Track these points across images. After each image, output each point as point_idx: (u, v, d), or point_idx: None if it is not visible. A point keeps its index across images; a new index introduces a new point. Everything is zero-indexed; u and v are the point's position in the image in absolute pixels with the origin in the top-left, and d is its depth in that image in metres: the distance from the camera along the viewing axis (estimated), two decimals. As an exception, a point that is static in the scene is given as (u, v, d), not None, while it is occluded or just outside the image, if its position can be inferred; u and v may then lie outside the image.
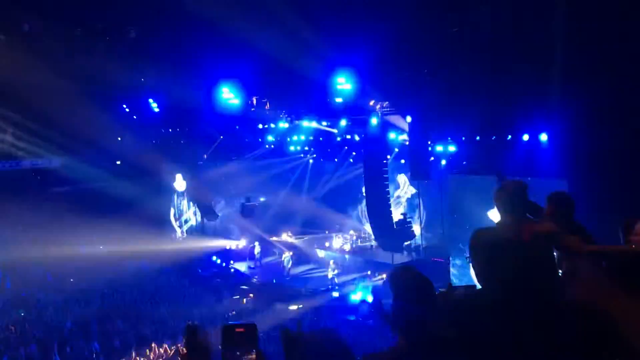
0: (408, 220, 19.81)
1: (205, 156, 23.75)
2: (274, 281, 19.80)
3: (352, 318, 16.11)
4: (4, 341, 13.82)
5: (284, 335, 2.15)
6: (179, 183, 25.20)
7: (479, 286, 2.92)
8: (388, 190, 18.72)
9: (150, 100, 22.24)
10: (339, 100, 17.24)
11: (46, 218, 22.73)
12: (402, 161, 21.09)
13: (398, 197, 22.13)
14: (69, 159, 24.27)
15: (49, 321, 15.56)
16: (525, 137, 14.83)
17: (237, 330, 2.12)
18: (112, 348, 13.15)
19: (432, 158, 18.18)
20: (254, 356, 2.07)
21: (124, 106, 23.57)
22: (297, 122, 20.21)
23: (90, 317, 15.74)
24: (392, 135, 19.02)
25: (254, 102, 19.87)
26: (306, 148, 23.13)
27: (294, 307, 17.10)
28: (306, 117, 19.94)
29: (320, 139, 21.52)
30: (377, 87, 16.86)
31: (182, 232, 25.37)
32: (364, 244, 22.05)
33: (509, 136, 15.26)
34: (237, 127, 21.43)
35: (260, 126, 21.25)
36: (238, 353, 2.07)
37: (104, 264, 21.22)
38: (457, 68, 14.63)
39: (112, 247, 22.75)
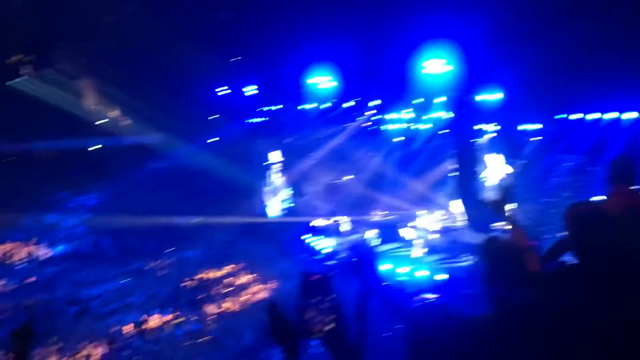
0: (499, 200, 19.26)
1: (295, 137, 24.22)
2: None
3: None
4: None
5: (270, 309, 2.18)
6: (273, 160, 25.79)
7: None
8: (478, 170, 18.30)
9: (247, 87, 22.95)
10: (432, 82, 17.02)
11: (145, 191, 24.24)
12: (493, 136, 20.47)
13: (488, 177, 21.51)
14: (168, 135, 25.60)
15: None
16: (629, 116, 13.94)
17: (313, 279, 2.19)
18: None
19: (524, 137, 17.57)
20: (329, 305, 2.13)
21: (224, 87, 24.44)
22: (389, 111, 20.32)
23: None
24: (482, 114, 18.50)
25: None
26: (398, 126, 22.91)
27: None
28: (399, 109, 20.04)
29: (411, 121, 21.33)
30: (472, 66, 16.42)
31: (273, 208, 26.03)
32: (452, 224, 21.65)
33: (607, 115, 14.40)
34: (330, 104, 21.62)
35: (353, 103, 21.38)
36: (314, 301, 2.14)
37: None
38: (554, 41, 13.96)
39: (207, 221, 23.90)
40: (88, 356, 13.37)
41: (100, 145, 25.83)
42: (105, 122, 25.99)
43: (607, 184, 3.54)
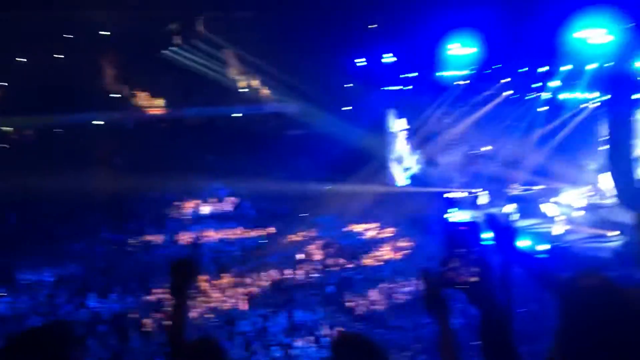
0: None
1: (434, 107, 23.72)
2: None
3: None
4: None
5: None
6: (405, 129, 25.54)
7: None
8: (634, 142, 16.79)
9: (385, 56, 22.75)
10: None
11: (283, 158, 25.20)
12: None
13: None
14: (305, 104, 26.25)
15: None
16: None
17: (461, 228, 2.11)
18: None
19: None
20: (474, 256, 2.04)
21: (361, 58, 24.46)
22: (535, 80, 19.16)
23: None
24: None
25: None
26: (544, 95, 21.51)
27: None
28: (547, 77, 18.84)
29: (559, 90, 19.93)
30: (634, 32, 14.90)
31: (403, 178, 25.85)
32: (600, 201, 20.11)
33: None
34: (470, 72, 20.80)
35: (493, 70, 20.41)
36: (462, 250, 2.06)
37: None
38: None
39: (336, 188, 24.34)
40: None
41: (242, 113, 27.20)
42: (247, 90, 27.25)
43: None
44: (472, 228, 2.10)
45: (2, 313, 12.56)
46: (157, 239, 19.54)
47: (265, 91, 27.00)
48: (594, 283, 2.01)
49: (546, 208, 20.64)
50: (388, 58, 22.63)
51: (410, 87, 23.24)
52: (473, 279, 2.03)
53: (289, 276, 16.79)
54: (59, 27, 23.63)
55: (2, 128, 25.15)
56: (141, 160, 23.83)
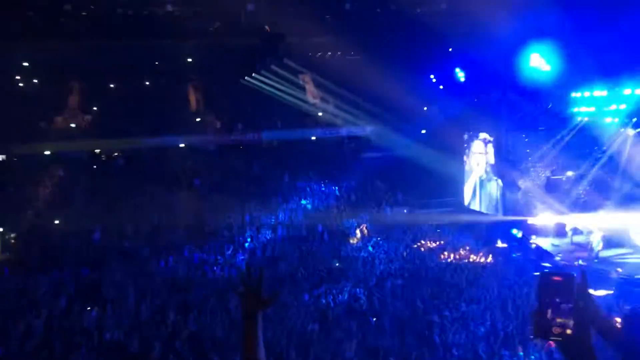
0: None
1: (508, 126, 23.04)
2: (579, 262, 18.31)
3: None
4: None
5: None
6: (478, 148, 24.96)
7: None
8: None
9: (457, 70, 22.47)
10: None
11: (358, 180, 25.35)
12: None
13: None
14: (379, 127, 26.39)
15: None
16: None
17: (555, 278, 2.10)
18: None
19: None
20: (571, 305, 2.02)
21: (432, 77, 24.32)
22: (616, 88, 18.11)
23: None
24: None
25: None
26: (627, 120, 20.40)
27: (601, 293, 15.70)
28: (629, 82, 17.69)
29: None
30: None
31: (484, 203, 25.21)
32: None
33: None
34: (545, 94, 20.11)
35: (573, 94, 19.62)
36: (557, 300, 2.05)
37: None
38: None
39: (413, 211, 24.14)
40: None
41: (318, 136, 27.71)
42: (324, 114, 27.79)
43: None
44: (568, 278, 2.11)
45: (87, 327, 13.24)
46: (235, 258, 20.04)
47: (342, 114, 27.39)
48: None
49: (636, 238, 19.45)
50: (461, 75, 22.33)
51: (489, 106, 22.75)
52: (568, 332, 2.03)
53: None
54: (149, 55, 25.13)
55: (93, 150, 26.89)
56: (222, 182, 24.72)
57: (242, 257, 19.09)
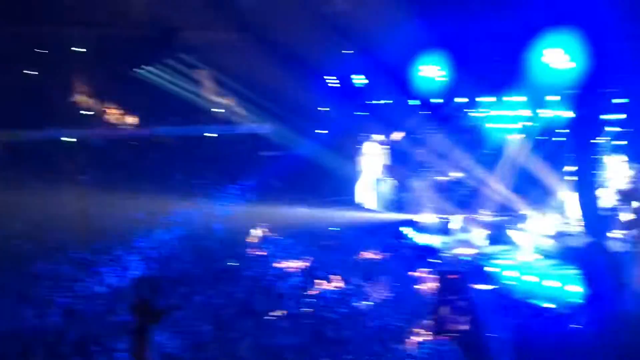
0: (620, 207, 17.97)
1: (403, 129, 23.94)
2: (462, 258, 19.37)
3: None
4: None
5: None
6: (378, 153, 25.79)
7: None
8: (598, 173, 17.18)
9: (355, 76, 23.01)
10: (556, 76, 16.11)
11: (257, 179, 25.17)
12: (618, 138, 19.15)
13: (609, 181, 20.08)
14: (278, 126, 26.33)
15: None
16: None
17: (450, 277, 2.16)
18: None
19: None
20: (466, 302, 2.09)
21: (333, 78, 24.70)
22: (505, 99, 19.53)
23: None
24: (606, 114, 17.22)
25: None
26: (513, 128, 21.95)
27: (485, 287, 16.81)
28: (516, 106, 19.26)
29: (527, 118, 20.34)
30: (601, 59, 15.28)
31: (378, 202, 26.04)
32: (567, 228, 20.49)
33: None
34: (442, 100, 21.09)
35: (461, 100, 20.78)
36: (452, 298, 2.11)
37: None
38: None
39: (309, 210, 24.34)
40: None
41: (215, 134, 27.10)
42: (220, 111, 27.21)
43: None
44: (463, 277, 2.15)
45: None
46: (126, 259, 19.18)
47: (240, 112, 27.02)
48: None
49: (515, 235, 20.95)
50: (360, 80, 22.91)
51: (383, 110, 23.49)
52: (463, 327, 2.07)
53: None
54: (32, 43, 23.39)
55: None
56: (111, 178, 23.54)
57: (132, 259, 18.27)
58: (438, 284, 2.54)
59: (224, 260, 18.48)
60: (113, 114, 26.86)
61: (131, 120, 26.67)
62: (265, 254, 19.56)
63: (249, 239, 21.30)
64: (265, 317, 13.85)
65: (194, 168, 23.17)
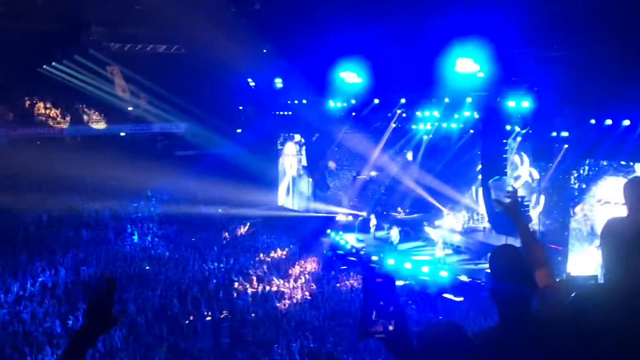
0: (525, 203, 18.99)
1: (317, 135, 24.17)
2: (381, 255, 19.82)
3: None
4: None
5: None
6: (291, 150, 25.92)
7: (601, 277, 2.78)
8: (506, 172, 18.04)
9: (276, 78, 22.96)
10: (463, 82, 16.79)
11: (171, 178, 24.53)
12: (519, 139, 20.26)
13: (517, 177, 21.20)
14: (193, 125, 25.84)
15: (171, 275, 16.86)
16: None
17: (377, 280, 2.19)
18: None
19: (555, 141, 17.18)
20: (393, 305, 2.13)
21: (249, 80, 24.51)
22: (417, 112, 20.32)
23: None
24: (512, 115, 18.13)
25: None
26: (425, 129, 22.70)
27: (400, 283, 17.43)
28: (427, 107, 19.95)
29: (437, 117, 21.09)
30: (504, 65, 16.06)
31: (296, 201, 26.18)
32: (477, 225, 21.48)
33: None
34: (354, 101, 21.44)
35: (377, 101, 21.24)
36: (381, 303, 2.15)
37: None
38: (589, 46, 13.65)
39: (229, 209, 24.09)
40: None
41: (127, 132, 26.14)
42: (134, 109, 26.35)
43: (631, 199, 3.41)
44: (388, 280, 2.18)
45: None
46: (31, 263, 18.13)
47: (154, 111, 26.27)
48: (444, 331, 2.17)
49: (428, 231, 21.66)
50: (279, 82, 22.91)
51: (300, 111, 23.59)
52: (390, 328, 2.11)
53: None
54: None
55: None
56: (16, 178, 22.27)
57: (39, 263, 17.28)
58: (365, 288, 2.59)
59: (137, 263, 17.89)
60: (16, 112, 25.36)
61: (37, 119, 25.29)
62: (178, 256, 19.09)
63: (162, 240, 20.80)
64: (183, 321, 13.56)
65: (106, 168, 22.19)
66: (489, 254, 2.68)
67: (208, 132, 25.22)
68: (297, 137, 25.29)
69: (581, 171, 17.31)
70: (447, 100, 19.42)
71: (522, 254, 2.44)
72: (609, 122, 14.64)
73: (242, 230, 22.77)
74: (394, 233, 21.28)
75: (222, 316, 13.76)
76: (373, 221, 22.75)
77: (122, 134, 26.35)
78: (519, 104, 16.72)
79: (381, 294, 2.14)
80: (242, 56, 21.76)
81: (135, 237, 20.59)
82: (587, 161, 16.04)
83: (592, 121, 15.13)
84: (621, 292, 2.54)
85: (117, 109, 26.10)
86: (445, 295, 16.75)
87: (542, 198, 20.11)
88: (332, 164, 24.85)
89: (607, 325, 2.38)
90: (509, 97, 16.97)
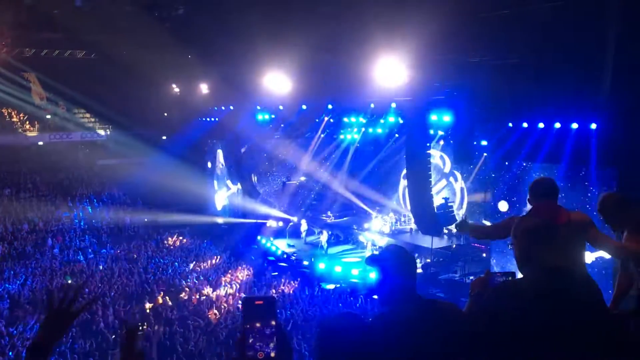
0: (450, 204, 19.63)
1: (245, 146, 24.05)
2: (312, 260, 19.91)
3: None
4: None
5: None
6: (221, 159, 25.63)
7: (519, 274, 2.93)
8: (430, 174, 18.54)
9: (200, 86, 22.65)
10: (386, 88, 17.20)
11: (95, 189, 23.62)
12: (441, 142, 20.98)
13: (437, 183, 21.84)
14: (116, 132, 25.03)
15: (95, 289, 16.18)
16: (574, 126, 14.40)
17: (257, 302, 2.17)
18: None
19: (476, 144, 17.85)
20: (273, 328, 2.12)
21: (173, 86, 24.02)
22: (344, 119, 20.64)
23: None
24: (435, 118, 18.71)
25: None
26: (352, 135, 23.06)
27: (330, 287, 17.60)
28: (353, 113, 20.29)
29: (363, 123, 21.48)
30: (426, 70, 16.55)
31: (225, 208, 25.87)
32: (404, 227, 21.98)
33: (557, 124, 14.80)
34: (281, 107, 21.49)
35: (304, 107, 21.38)
36: (258, 325, 2.13)
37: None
38: (505, 52, 14.32)
39: (156, 218, 23.43)
40: None
41: (43, 142, 24.90)
42: (52, 117, 25.21)
43: (534, 199, 3.74)
44: (269, 302, 2.16)
45: None
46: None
47: (73, 119, 25.26)
48: (342, 322, 2.24)
49: (358, 234, 21.97)
50: (204, 89, 22.62)
51: (226, 118, 23.36)
52: (272, 354, 2.09)
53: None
54: None
55: None
56: None
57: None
58: (244, 312, 2.59)
59: (59, 277, 17.09)
60: None
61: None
62: (104, 266, 18.41)
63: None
64: (109, 335, 13.08)
65: (20, 180, 21.11)
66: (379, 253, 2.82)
67: (132, 140, 24.48)
68: (228, 146, 24.99)
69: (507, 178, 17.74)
70: (372, 105, 19.81)
71: (406, 252, 2.62)
72: (525, 125, 15.39)
73: (171, 239, 22.24)
74: (324, 238, 21.46)
75: (143, 327, 13.36)
76: (304, 226, 22.85)
77: (40, 143, 25.16)
78: (440, 118, 17.41)
79: (260, 317, 2.13)
80: (166, 62, 21.33)
81: (57, 250, 19.65)
82: (514, 169, 16.69)
83: (510, 124, 15.86)
84: (533, 287, 2.67)
85: (34, 117, 24.92)
86: (375, 296, 17.02)
87: (465, 199, 20.87)
88: (254, 177, 24.76)
89: (519, 318, 2.51)
90: (431, 112, 17.58)
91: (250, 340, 2.11)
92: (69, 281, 16.84)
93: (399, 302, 2.51)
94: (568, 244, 3.39)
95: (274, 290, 16.99)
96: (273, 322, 2.11)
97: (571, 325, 2.50)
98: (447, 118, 17.56)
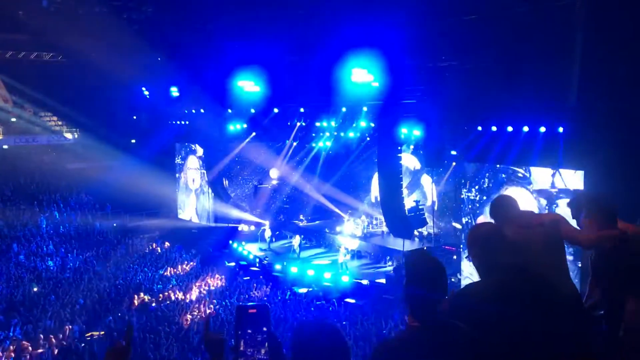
0: (420, 207, 19.82)
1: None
2: (284, 264, 19.83)
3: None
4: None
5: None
6: (193, 163, 25.39)
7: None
8: (401, 177, 18.70)
9: (172, 88, 22.41)
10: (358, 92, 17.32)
11: (63, 194, 23.10)
12: (412, 146, 21.19)
13: (408, 186, 22.03)
14: (84, 136, 24.55)
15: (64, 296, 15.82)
16: (542, 129, 14.70)
17: (250, 311, 2.18)
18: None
19: (446, 147, 18.05)
20: (265, 335, 2.13)
21: (143, 88, 23.71)
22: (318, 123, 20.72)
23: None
24: (405, 131, 18.87)
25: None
26: (324, 138, 23.11)
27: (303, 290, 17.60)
28: (325, 117, 20.37)
29: (335, 127, 21.56)
30: (397, 75, 16.71)
31: (197, 212, 25.61)
32: (375, 229, 22.09)
33: (526, 127, 15.07)
34: (253, 111, 21.43)
35: (276, 110, 21.36)
36: (250, 331, 2.13)
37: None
38: (475, 57, 14.56)
39: (125, 223, 23.03)
40: None
41: (8, 146, 24.22)
42: (17, 120, 24.57)
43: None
44: (262, 309, 2.16)
45: None
46: None
47: (39, 122, 24.69)
48: (317, 331, 2.24)
49: (330, 237, 22.02)
50: (175, 92, 22.38)
51: (197, 121, 23.17)
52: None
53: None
54: None
55: None
56: None
57: None
58: (237, 319, 2.57)
59: (25, 285, 16.66)
60: None
61: None
62: (70, 275, 18.02)
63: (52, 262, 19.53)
64: (79, 344, 12.82)
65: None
66: (404, 258, 2.78)
67: (100, 143, 24.02)
68: (200, 151, 24.74)
69: (482, 183, 17.69)
70: (344, 109, 19.91)
71: (436, 259, 2.53)
72: (494, 128, 15.65)
73: (141, 244, 21.89)
74: (296, 242, 21.45)
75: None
76: (268, 232, 22.77)
77: (5, 146, 24.52)
78: (410, 131, 17.69)
79: (252, 324, 2.14)
80: (135, 64, 21.05)
81: (22, 257, 19.15)
82: (487, 174, 16.91)
83: (479, 128, 16.10)
84: (493, 290, 2.70)
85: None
86: (347, 299, 17.08)
87: (436, 202, 21.07)
88: (225, 181, 24.56)
89: (480, 321, 2.53)
90: (402, 125, 17.82)
91: (243, 347, 2.11)
92: (35, 289, 16.44)
93: (428, 317, 2.46)
94: (543, 247, 3.42)
95: (244, 296, 16.88)
96: (265, 329, 2.13)
97: (529, 329, 2.53)
98: (417, 132, 17.85)
